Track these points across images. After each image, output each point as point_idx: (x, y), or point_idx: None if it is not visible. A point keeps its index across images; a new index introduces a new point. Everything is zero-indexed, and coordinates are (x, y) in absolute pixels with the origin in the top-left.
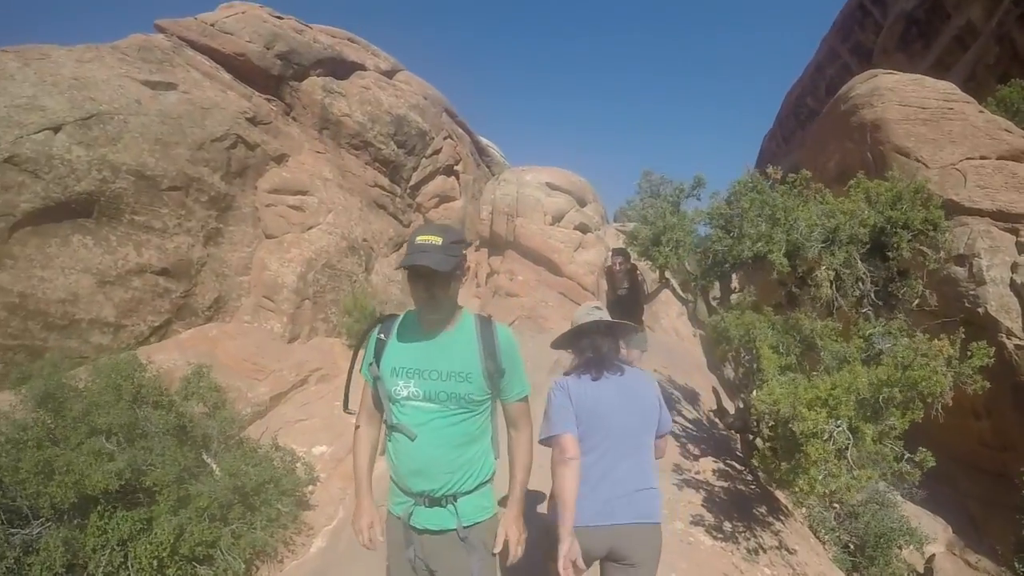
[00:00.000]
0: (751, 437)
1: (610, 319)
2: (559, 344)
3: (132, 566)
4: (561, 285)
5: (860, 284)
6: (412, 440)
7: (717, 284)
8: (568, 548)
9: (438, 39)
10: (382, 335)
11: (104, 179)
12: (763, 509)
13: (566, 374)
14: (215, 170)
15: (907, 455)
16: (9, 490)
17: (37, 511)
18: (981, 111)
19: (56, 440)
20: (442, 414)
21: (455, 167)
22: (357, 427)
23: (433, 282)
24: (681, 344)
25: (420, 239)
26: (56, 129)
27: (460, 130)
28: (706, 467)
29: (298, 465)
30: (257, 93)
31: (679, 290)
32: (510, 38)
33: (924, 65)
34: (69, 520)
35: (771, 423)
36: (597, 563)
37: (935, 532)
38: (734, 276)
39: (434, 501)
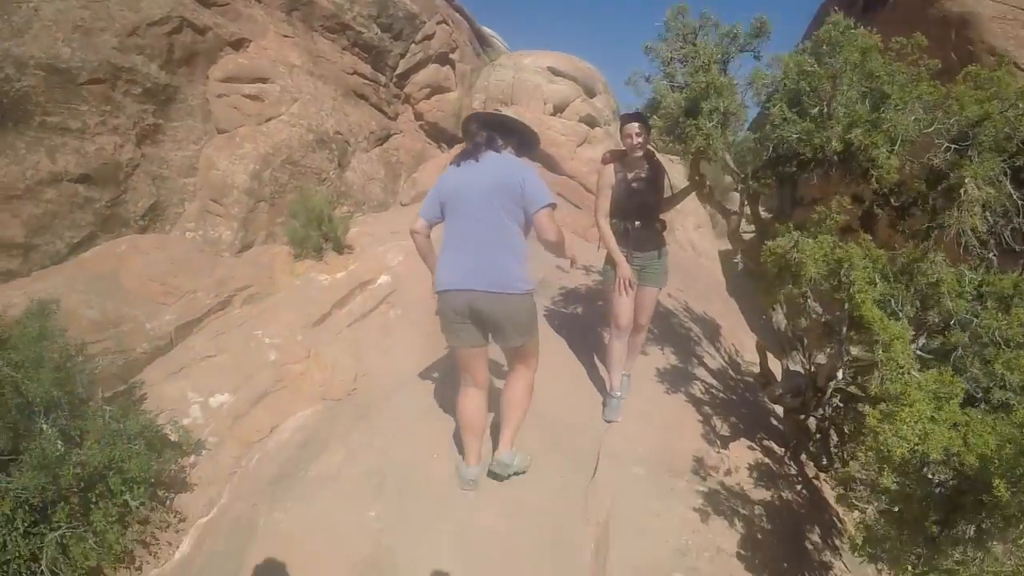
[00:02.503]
0: (802, 418)
1: (478, 121)
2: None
3: None
4: (560, 184)
5: (991, 215)
6: None
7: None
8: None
9: None
10: None
11: (7, 77)
12: (816, 533)
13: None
14: (152, 58)
15: None
16: None
17: None
18: None
19: None
20: None
21: (450, 55)
22: None
23: None
24: (698, 262)
25: None
26: None
27: (457, 15)
28: (739, 459)
29: (170, 429)
30: None
31: (716, 195)
32: None
33: None
34: None
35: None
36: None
37: None
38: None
39: None
